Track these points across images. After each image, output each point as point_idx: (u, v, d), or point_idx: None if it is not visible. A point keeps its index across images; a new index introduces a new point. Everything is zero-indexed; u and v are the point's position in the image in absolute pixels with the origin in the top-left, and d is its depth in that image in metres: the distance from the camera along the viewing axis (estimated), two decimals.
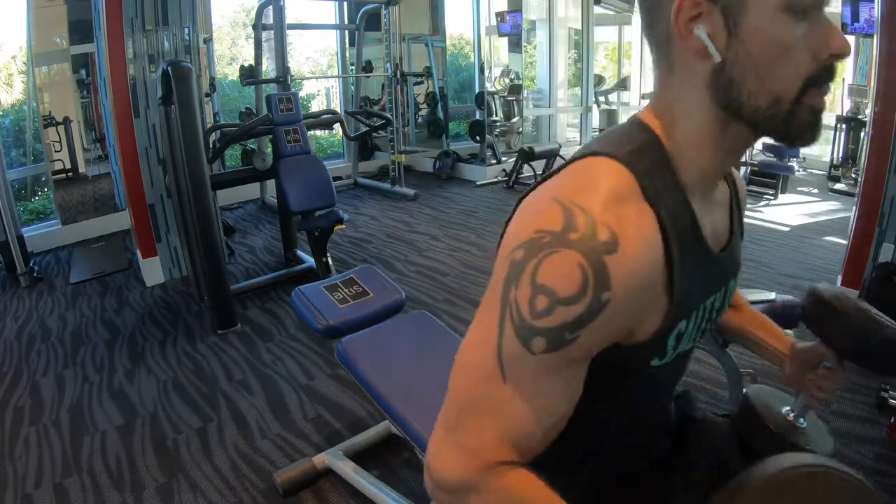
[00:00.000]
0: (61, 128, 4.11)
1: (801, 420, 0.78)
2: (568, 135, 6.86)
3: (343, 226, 2.90)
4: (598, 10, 6.58)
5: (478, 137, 5.53)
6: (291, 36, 5.72)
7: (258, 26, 4.55)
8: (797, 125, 0.51)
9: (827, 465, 0.49)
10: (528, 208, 0.52)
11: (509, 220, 0.55)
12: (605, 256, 0.46)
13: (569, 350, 0.49)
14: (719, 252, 0.60)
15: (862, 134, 4.52)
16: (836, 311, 0.71)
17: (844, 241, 2.62)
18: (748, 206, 4.27)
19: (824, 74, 0.49)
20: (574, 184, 0.51)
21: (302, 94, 6.85)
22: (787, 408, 0.80)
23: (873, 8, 3.78)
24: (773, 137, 0.53)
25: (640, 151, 0.53)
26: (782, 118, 0.50)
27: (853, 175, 4.74)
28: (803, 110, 0.50)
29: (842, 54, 0.49)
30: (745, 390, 0.84)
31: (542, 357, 0.49)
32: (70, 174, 4.21)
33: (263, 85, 4.62)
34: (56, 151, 4.12)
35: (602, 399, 0.60)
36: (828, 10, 0.50)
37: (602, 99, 6.95)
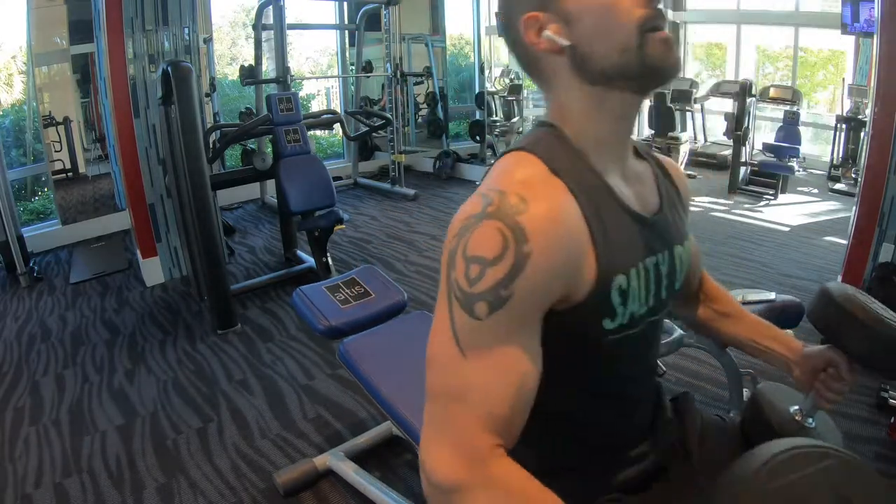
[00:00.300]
0: (61, 128, 4.10)
1: (810, 420, 0.77)
2: None
3: (343, 226, 2.90)
4: None
5: (478, 137, 5.52)
6: (291, 36, 5.70)
7: (258, 26, 4.54)
8: (652, 59, 0.58)
9: (799, 444, 0.52)
10: (460, 210, 0.59)
11: None
12: (518, 216, 0.53)
13: (510, 307, 0.53)
14: (652, 216, 0.67)
15: (862, 134, 4.52)
16: (846, 314, 0.71)
17: (844, 241, 2.62)
18: (748, 206, 4.29)
19: (651, 16, 0.57)
20: (492, 178, 0.60)
21: (302, 94, 6.84)
22: (796, 407, 0.79)
23: (873, 8, 3.78)
24: (645, 84, 0.61)
25: (544, 139, 0.63)
26: (638, 61, 0.58)
27: (853, 175, 4.73)
28: (652, 46, 0.58)
29: None
30: (758, 386, 0.83)
31: (490, 321, 0.53)
32: (70, 174, 4.20)
33: (263, 85, 4.62)
34: (56, 151, 4.12)
35: (569, 375, 0.64)
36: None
37: None
